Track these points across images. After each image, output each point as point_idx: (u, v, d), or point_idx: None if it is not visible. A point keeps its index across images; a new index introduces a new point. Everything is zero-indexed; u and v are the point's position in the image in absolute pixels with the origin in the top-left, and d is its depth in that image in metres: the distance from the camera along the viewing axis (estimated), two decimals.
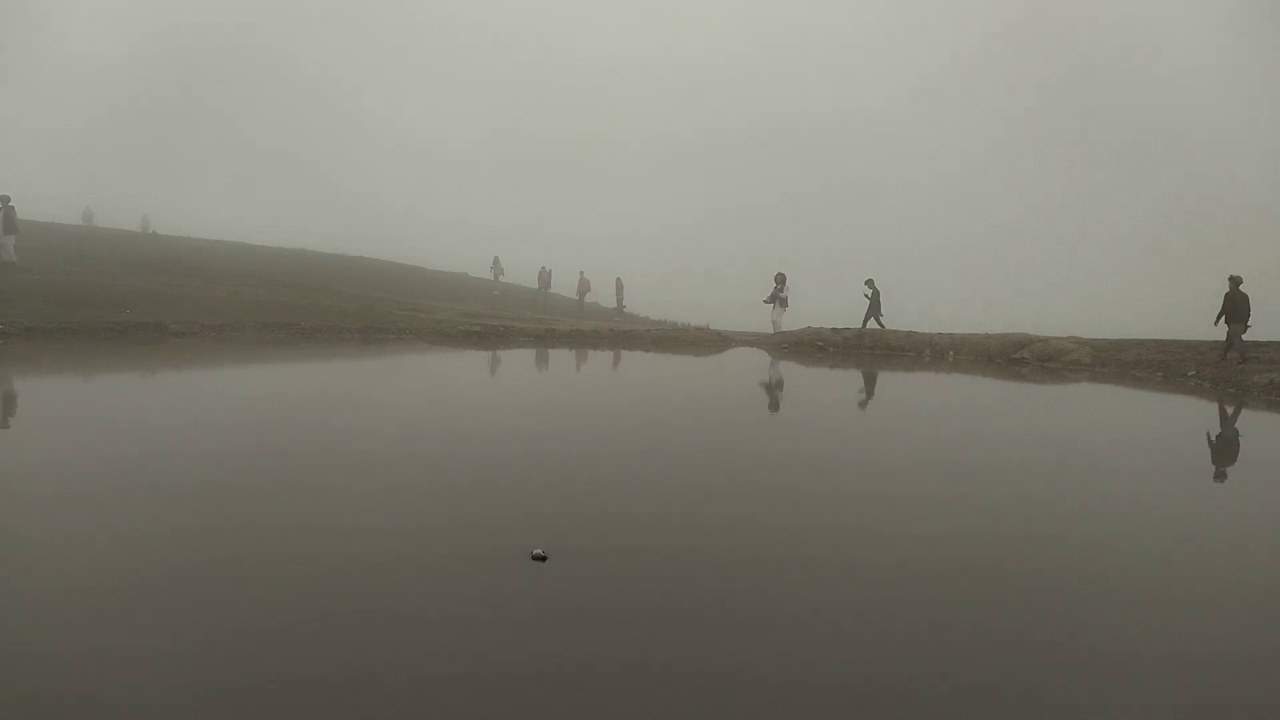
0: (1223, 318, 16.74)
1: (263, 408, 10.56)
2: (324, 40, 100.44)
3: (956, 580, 5.08)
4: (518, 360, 18.18)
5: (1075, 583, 5.15)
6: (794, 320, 24.14)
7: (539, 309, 33.82)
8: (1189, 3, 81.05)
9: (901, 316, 23.89)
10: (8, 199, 21.58)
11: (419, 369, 16.37)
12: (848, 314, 24.03)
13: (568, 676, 3.72)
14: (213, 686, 3.50)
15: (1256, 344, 17.86)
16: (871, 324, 23.25)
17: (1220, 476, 9.06)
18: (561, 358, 19.18)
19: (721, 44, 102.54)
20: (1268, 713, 3.73)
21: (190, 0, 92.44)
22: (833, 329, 22.84)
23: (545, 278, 37.11)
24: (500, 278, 38.41)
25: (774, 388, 15.76)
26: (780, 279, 24.00)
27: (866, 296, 23.43)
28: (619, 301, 35.87)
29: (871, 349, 21.67)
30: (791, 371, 18.16)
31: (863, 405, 14.07)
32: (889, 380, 17.54)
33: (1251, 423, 12.69)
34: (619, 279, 35.90)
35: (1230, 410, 13.65)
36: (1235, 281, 16.54)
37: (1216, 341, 17.85)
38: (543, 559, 4.94)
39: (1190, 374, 16.96)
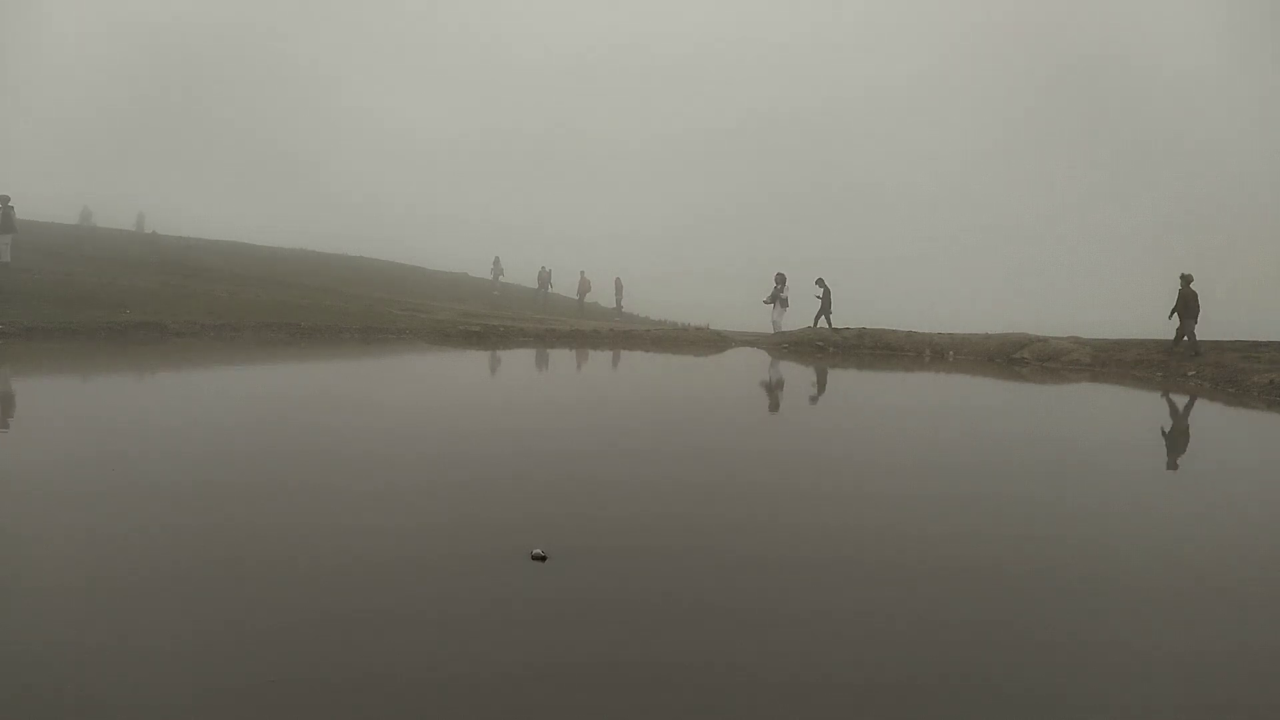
0: (1175, 314, 17.68)
1: (263, 408, 10.56)
2: (323, 39, 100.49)
3: (957, 580, 5.08)
4: (518, 360, 18.17)
5: (1076, 582, 5.14)
6: (794, 320, 24.15)
7: (539, 309, 33.82)
8: (1189, 2, 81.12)
9: (902, 316, 23.90)
10: (7, 199, 21.56)
11: (419, 369, 16.37)
12: (848, 314, 24.04)
13: (567, 676, 3.72)
14: (212, 687, 3.49)
15: (1257, 344, 17.97)
16: (822, 323, 23.41)
17: (1220, 476, 9.05)
18: (561, 358, 19.17)
19: (719, 38, 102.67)
20: (1268, 712, 3.73)
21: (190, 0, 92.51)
22: (832, 329, 22.85)
23: (545, 278, 37.11)
24: (500, 278, 38.41)
25: (774, 388, 15.76)
26: (780, 279, 24.00)
27: (817, 297, 23.63)
28: (618, 301, 35.87)
29: (871, 349, 21.66)
30: (791, 371, 18.15)
31: (862, 405, 14.06)
32: (889, 380, 17.54)
33: (1251, 423, 12.68)
34: (618, 279, 35.90)
35: (1230, 410, 13.65)
36: (1186, 280, 17.49)
37: (1217, 342, 18.32)
38: (542, 559, 4.93)
39: (1190, 374, 16.97)
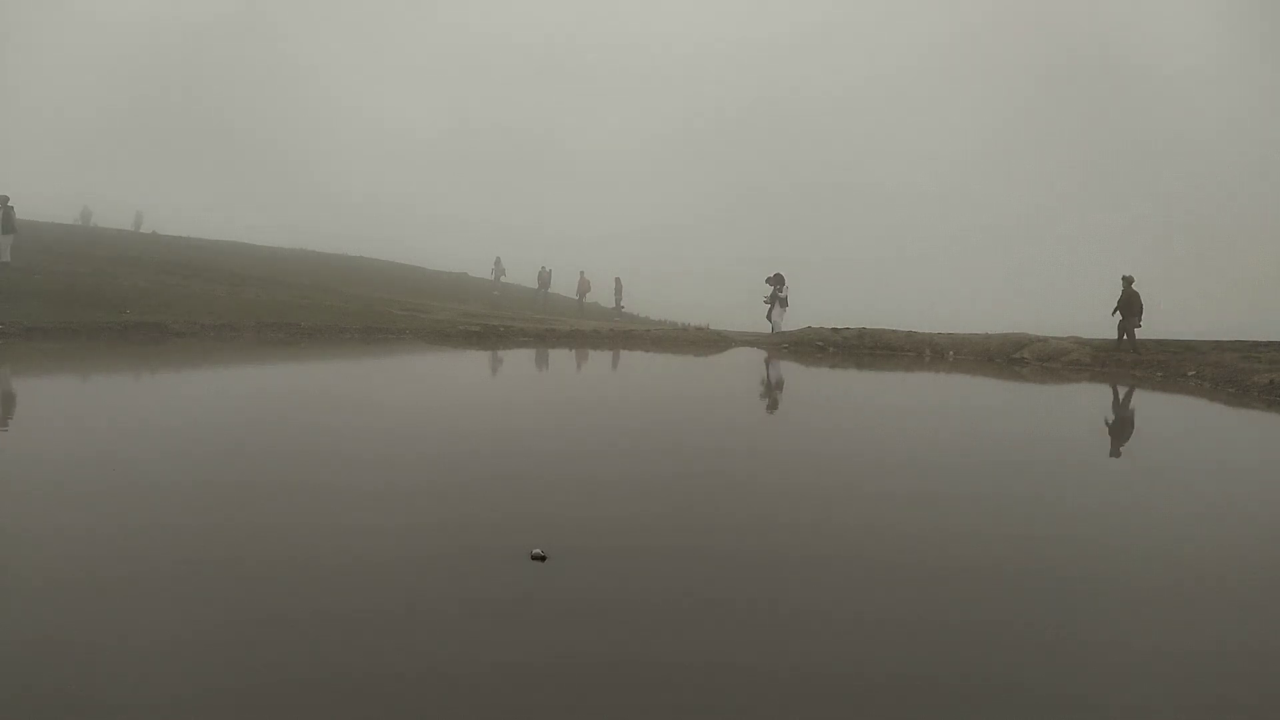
0: (1116, 312, 18.66)
1: (264, 407, 10.55)
2: (322, 38, 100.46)
3: (957, 579, 5.08)
4: (518, 360, 18.18)
5: (1076, 581, 5.14)
6: (794, 320, 24.16)
7: (539, 309, 33.82)
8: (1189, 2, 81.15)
9: (902, 316, 23.90)
10: (6, 199, 21.55)
11: (419, 369, 16.37)
12: (848, 314, 24.05)
13: (568, 676, 3.72)
14: (212, 686, 3.49)
15: (1257, 344, 18.03)
16: (774, 319, 23.60)
17: (1220, 476, 9.04)
18: (561, 358, 19.17)
19: (717, 32, 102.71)
20: (1268, 712, 3.72)
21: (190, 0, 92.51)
22: (832, 329, 22.82)
23: (545, 278, 37.11)
24: (501, 278, 38.40)
25: (774, 387, 15.76)
26: (778, 279, 23.99)
27: (766, 301, 23.68)
28: (617, 301, 35.86)
29: (871, 349, 21.66)
30: (791, 371, 18.16)
31: (862, 405, 14.06)
32: (889, 380, 17.54)
33: (1251, 423, 12.69)
34: (618, 279, 35.90)
35: (1230, 410, 13.65)
36: (1127, 281, 18.52)
37: (1217, 342, 18.69)
38: (542, 559, 4.93)
39: (1190, 374, 16.97)
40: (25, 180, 38.53)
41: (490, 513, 6.03)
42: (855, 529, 6.12)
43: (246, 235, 45.78)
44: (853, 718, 3.53)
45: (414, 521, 5.75)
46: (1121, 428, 12.21)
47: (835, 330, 22.77)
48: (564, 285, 37.81)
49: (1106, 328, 19.41)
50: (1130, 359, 18.37)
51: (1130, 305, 18.45)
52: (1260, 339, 18.51)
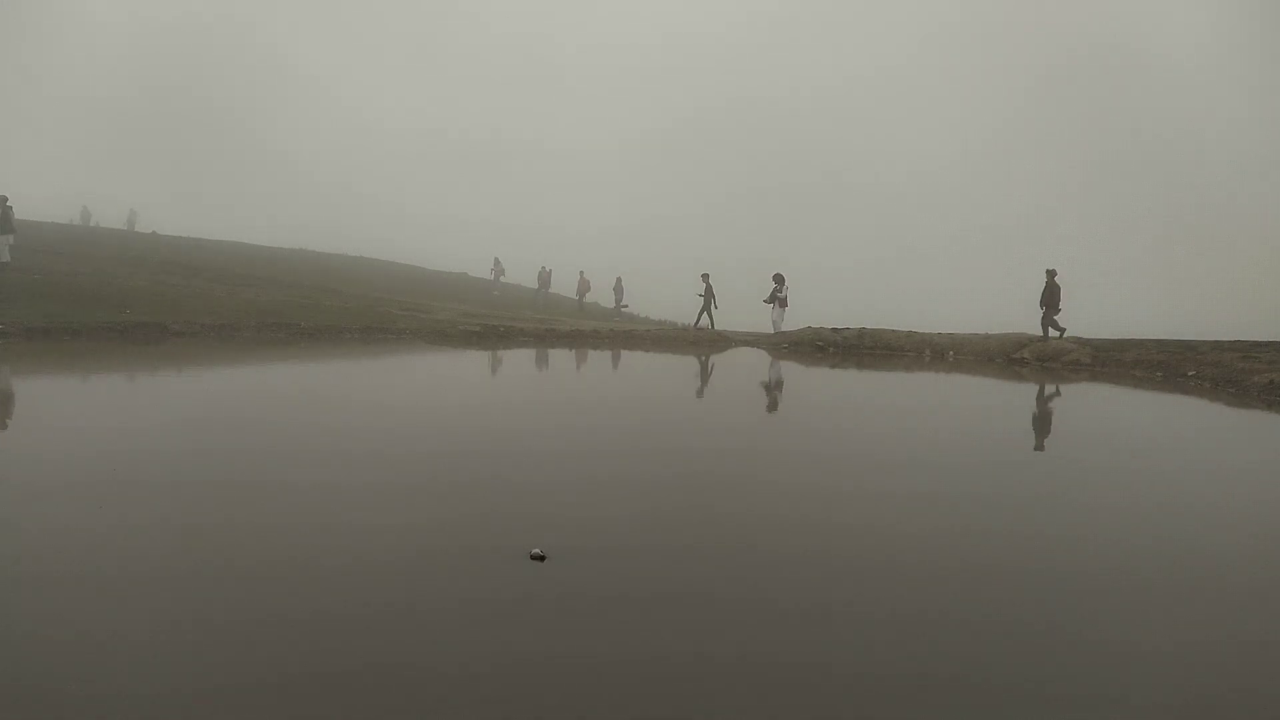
0: (1042, 304, 19.88)
1: (264, 407, 10.56)
2: (322, 38, 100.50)
3: (957, 578, 5.08)
4: (517, 360, 18.17)
5: (1076, 580, 5.14)
6: (794, 320, 24.14)
7: (539, 309, 33.81)
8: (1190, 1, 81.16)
9: (902, 316, 23.89)
10: (5, 199, 21.55)
11: (419, 369, 16.37)
12: (848, 314, 24.03)
13: (568, 675, 3.72)
14: (212, 686, 3.49)
15: (1256, 344, 18.03)
16: (704, 321, 23.66)
17: (1220, 476, 9.04)
18: (561, 358, 19.17)
19: (717, 29, 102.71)
20: (1268, 711, 3.73)
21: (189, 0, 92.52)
22: (832, 329, 22.81)
23: (545, 278, 37.09)
24: (501, 278, 38.39)
25: (774, 387, 15.77)
26: (779, 279, 23.99)
27: (699, 295, 23.72)
28: (618, 301, 35.86)
29: (871, 349, 21.66)
30: (791, 371, 18.16)
31: (862, 405, 14.06)
32: (889, 380, 17.54)
33: (1252, 423, 12.68)
34: (619, 279, 35.87)
35: (1230, 410, 13.65)
36: (1050, 274, 19.78)
37: (1217, 342, 18.57)
38: (542, 559, 4.93)
39: (1190, 374, 16.97)
40: (25, 180, 38.56)
41: (490, 512, 6.04)
42: (855, 528, 6.11)
43: (247, 235, 45.81)
44: (853, 717, 3.53)
45: (414, 521, 5.75)
46: (1121, 428, 12.20)
47: (835, 330, 22.77)
48: (564, 285, 37.82)
49: (1106, 328, 19.47)
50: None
51: (1052, 297, 19.62)
52: (1260, 339, 18.50)
